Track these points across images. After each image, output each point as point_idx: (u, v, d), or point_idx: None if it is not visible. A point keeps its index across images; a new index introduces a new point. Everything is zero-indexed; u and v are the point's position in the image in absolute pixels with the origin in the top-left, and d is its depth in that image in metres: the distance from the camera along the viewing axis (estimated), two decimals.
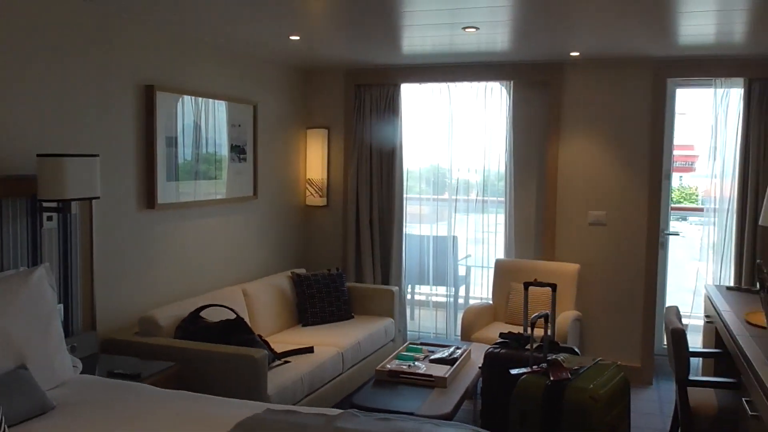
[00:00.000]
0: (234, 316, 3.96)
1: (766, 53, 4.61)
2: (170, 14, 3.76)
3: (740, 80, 4.81)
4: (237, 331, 3.84)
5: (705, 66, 4.87)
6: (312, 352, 4.17)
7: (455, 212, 5.71)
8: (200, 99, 4.47)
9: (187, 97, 4.34)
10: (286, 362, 3.96)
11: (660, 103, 4.99)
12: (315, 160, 5.78)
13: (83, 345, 3.50)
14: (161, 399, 2.88)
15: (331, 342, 4.43)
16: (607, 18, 3.77)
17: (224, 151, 4.74)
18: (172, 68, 4.23)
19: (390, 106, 5.54)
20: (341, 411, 2.89)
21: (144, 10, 3.67)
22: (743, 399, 2.78)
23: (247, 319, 4.28)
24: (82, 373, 3.16)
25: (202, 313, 3.96)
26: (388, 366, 3.90)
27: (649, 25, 3.92)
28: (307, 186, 5.82)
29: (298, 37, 4.34)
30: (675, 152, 5.32)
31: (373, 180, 5.60)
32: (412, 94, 5.65)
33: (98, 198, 3.37)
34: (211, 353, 3.57)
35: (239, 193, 4.91)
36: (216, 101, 4.62)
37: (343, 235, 5.74)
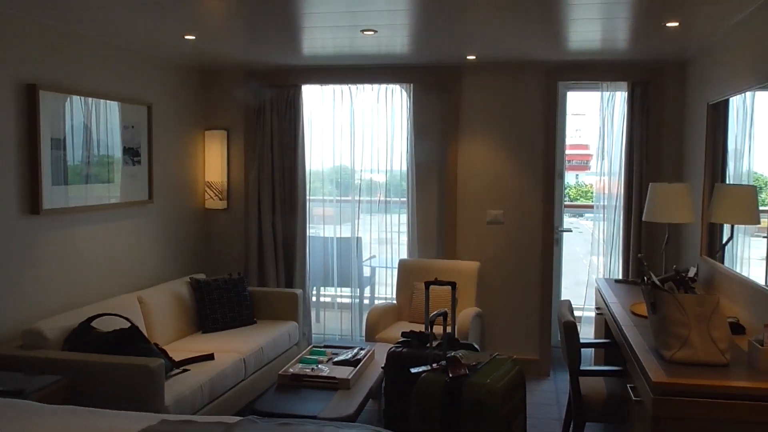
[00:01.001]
0: (128, 325, 3.80)
1: (647, 59, 4.90)
2: (55, 9, 3.56)
3: (624, 84, 5.08)
4: (132, 340, 3.69)
5: (592, 70, 5.12)
6: (212, 359, 4.06)
7: (359, 213, 5.73)
8: (90, 99, 4.26)
9: (75, 97, 4.13)
10: (185, 371, 3.84)
11: (552, 105, 5.20)
12: (214, 162, 5.65)
13: None
14: (47, 415, 2.73)
15: (233, 348, 4.33)
16: (500, 24, 3.89)
17: (117, 153, 4.55)
18: (59, 67, 4.02)
19: (291, 108, 5.49)
20: (240, 418, 2.83)
21: (25, 4, 3.46)
22: (628, 385, 2.93)
23: (142, 328, 4.13)
24: None
25: (94, 323, 3.78)
26: (291, 370, 3.86)
27: (541, 31, 4.08)
28: (207, 189, 5.68)
29: (193, 37, 4.23)
30: (572, 152, 5.56)
31: (275, 182, 5.53)
32: (313, 96, 5.62)
33: None
34: (104, 365, 3.41)
35: (134, 197, 4.73)
36: (108, 101, 4.43)
37: (245, 238, 5.64)
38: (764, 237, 3.44)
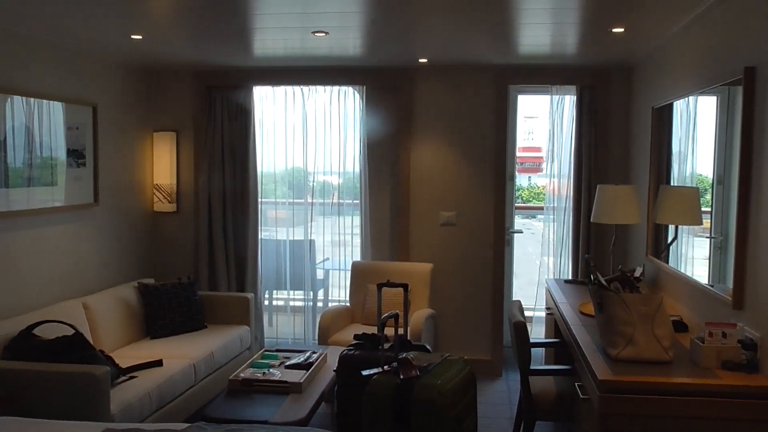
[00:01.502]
0: (72, 331, 3.69)
1: (595, 63, 4.99)
2: None
3: (573, 88, 5.17)
4: (75, 347, 3.59)
5: (542, 74, 5.19)
6: (161, 365, 3.98)
7: (312, 215, 5.70)
8: (32, 99, 4.13)
9: (16, 98, 3.99)
10: (132, 378, 3.75)
11: (502, 108, 5.26)
12: (163, 164, 5.54)
13: None
14: None
15: (182, 354, 4.25)
16: (451, 28, 3.92)
17: (61, 155, 4.42)
18: None
19: (242, 109, 5.42)
20: (188, 425, 2.77)
21: None
22: (576, 384, 2.98)
23: (87, 335, 4.02)
24: None
25: (36, 331, 3.66)
26: (242, 375, 3.81)
27: (492, 35, 4.12)
28: (155, 191, 5.56)
29: (140, 37, 4.13)
30: (525, 154, 5.62)
31: (226, 184, 5.45)
32: (265, 97, 5.57)
33: None
34: (46, 373, 3.30)
35: (78, 200, 4.60)
36: (51, 102, 4.29)
37: (195, 242, 5.54)
38: (707, 237, 3.54)
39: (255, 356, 4.22)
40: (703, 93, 3.47)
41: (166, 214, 5.61)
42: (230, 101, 5.42)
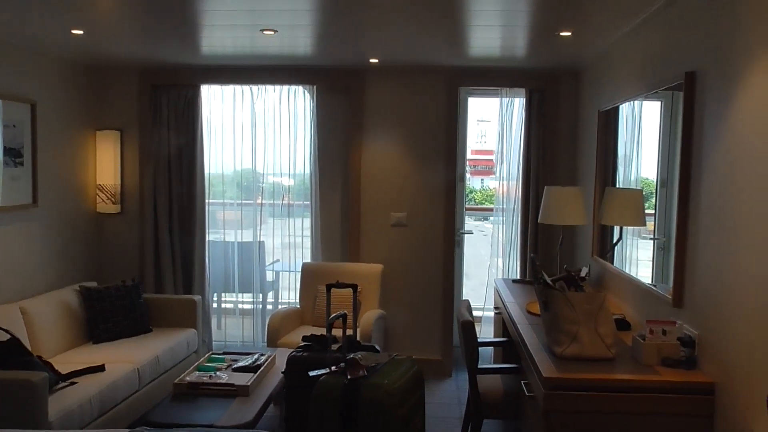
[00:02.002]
0: (8, 337, 3.55)
1: (544, 67, 5.06)
2: None
3: (522, 91, 5.23)
4: (12, 353, 3.46)
5: (492, 76, 5.24)
6: (103, 370, 3.86)
7: (262, 217, 5.62)
8: None
9: None
10: (73, 383, 3.63)
11: (453, 110, 5.28)
12: (106, 164, 5.38)
13: None
14: None
15: (126, 358, 4.14)
16: (402, 28, 3.91)
17: None
18: None
19: (190, 108, 5.32)
20: (130, 431, 2.69)
21: None
22: (522, 382, 3.00)
23: (25, 340, 3.87)
24: None
25: None
26: (187, 378, 3.73)
27: (442, 36, 4.13)
28: (98, 192, 5.40)
29: (81, 32, 4.01)
30: (478, 157, 5.64)
31: (172, 185, 5.34)
32: (213, 96, 5.47)
33: None
34: None
35: (15, 200, 4.42)
36: None
37: (140, 243, 5.41)
38: (651, 239, 3.62)
39: (201, 359, 4.14)
40: (648, 98, 3.54)
41: (109, 215, 5.46)
42: (177, 100, 5.31)
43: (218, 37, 4.29)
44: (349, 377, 2.92)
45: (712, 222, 2.57)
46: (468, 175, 5.60)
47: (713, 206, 2.57)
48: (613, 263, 4.05)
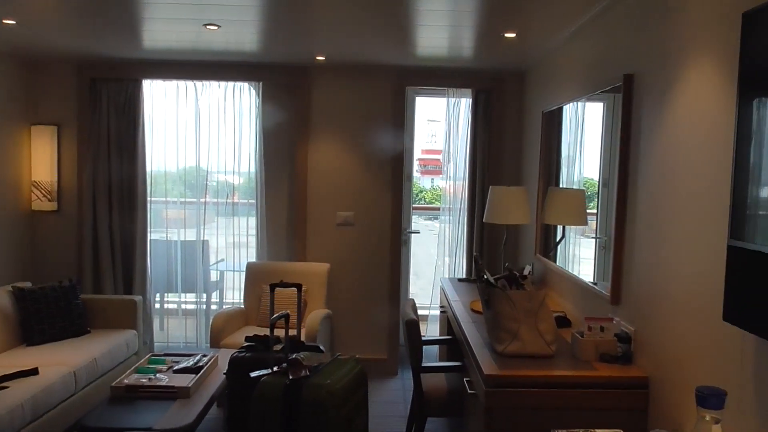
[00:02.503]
0: None
1: (489, 67, 5.11)
2: None
3: (469, 91, 5.27)
4: None
5: (439, 76, 5.26)
6: (36, 374, 3.72)
7: (206, 215, 5.52)
8: None
9: None
10: (4, 388, 3.49)
11: (400, 109, 5.29)
12: (42, 160, 5.19)
13: None
14: None
15: (61, 361, 4.00)
16: (348, 26, 3.89)
17: None
18: None
19: (131, 103, 5.18)
20: None
21: None
22: (465, 379, 3.02)
23: None
24: None
25: None
26: (126, 381, 3.63)
27: (389, 35, 4.12)
28: (33, 189, 5.21)
29: (13, 21, 3.85)
30: (428, 156, 5.65)
31: (112, 182, 5.19)
32: (156, 91, 5.34)
33: None
34: None
35: None
36: None
37: (78, 242, 5.24)
38: (593, 238, 3.69)
39: (141, 361, 4.03)
40: (590, 99, 3.61)
41: (45, 213, 5.27)
42: (117, 95, 5.17)
43: (160, 30, 4.18)
44: (291, 377, 2.89)
45: (648, 221, 2.63)
46: (418, 175, 5.62)
47: (649, 206, 2.63)
48: (555, 262, 4.11)
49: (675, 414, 2.32)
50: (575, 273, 3.77)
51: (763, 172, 1.67)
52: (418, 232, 5.78)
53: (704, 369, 2.13)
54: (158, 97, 5.35)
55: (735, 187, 1.78)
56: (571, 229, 3.96)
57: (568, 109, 4.07)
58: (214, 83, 5.31)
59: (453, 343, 3.85)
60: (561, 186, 4.20)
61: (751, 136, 1.72)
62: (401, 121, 5.30)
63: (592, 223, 3.65)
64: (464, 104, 5.33)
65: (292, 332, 3.60)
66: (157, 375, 3.74)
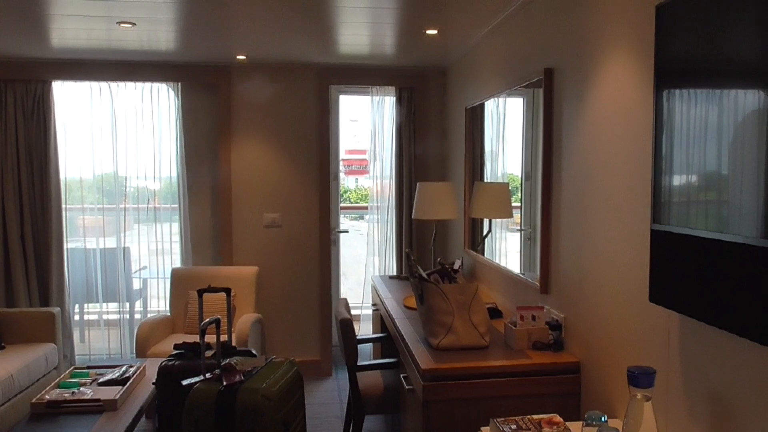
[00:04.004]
0: None
1: (412, 65, 5.15)
2: None
3: (392, 89, 5.29)
4: None
5: (362, 74, 5.26)
6: None
7: (126, 222, 5.31)
8: None
9: None
10: None
11: (324, 108, 5.25)
12: None
13: None
14: None
15: None
16: (268, 24, 3.83)
17: None
18: None
19: (40, 106, 4.92)
20: None
21: None
22: (401, 375, 3.02)
23: None
24: None
25: None
26: (47, 396, 3.45)
27: (311, 32, 4.08)
28: None
29: None
30: (352, 156, 5.62)
31: (22, 189, 4.92)
32: (67, 93, 5.10)
33: None
34: None
35: None
36: None
37: None
38: (518, 230, 3.77)
39: (63, 375, 3.84)
40: (511, 94, 3.68)
41: None
42: (25, 97, 4.90)
43: (70, 28, 3.99)
44: (225, 383, 2.81)
45: (573, 211, 2.71)
46: (343, 175, 5.59)
47: (573, 196, 2.71)
48: (483, 255, 4.18)
49: (607, 396, 2.40)
50: (503, 265, 3.84)
51: (679, 159, 1.74)
52: (347, 232, 5.76)
53: (633, 350, 2.20)
54: (70, 100, 5.11)
55: (655, 174, 1.85)
56: (497, 223, 4.04)
57: (490, 105, 4.14)
58: (130, 84, 5.12)
59: (387, 340, 3.86)
60: (486, 180, 4.27)
61: (671, 126, 1.79)
62: (326, 120, 5.26)
63: (517, 215, 3.73)
64: (388, 102, 5.35)
65: (223, 338, 3.51)
66: (81, 389, 3.58)
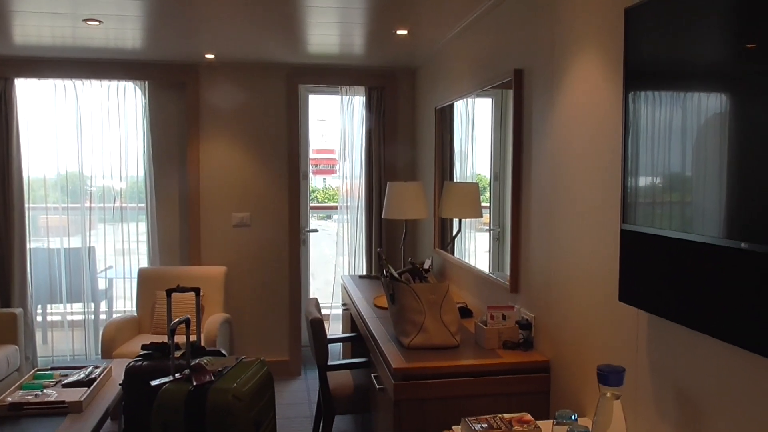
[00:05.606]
0: None
1: (382, 65, 5.16)
2: None
3: (362, 89, 5.29)
4: None
5: (332, 74, 5.25)
6: None
7: (92, 222, 5.22)
8: None
9: None
10: None
11: (294, 108, 5.23)
12: None
13: None
14: None
15: None
16: (236, 23, 3.80)
17: None
18: None
19: (1, 104, 4.81)
20: None
21: None
22: (372, 375, 3.03)
23: None
24: None
25: None
26: (9, 399, 3.37)
27: (280, 32, 4.06)
28: None
29: None
30: (320, 156, 5.61)
31: None
32: (30, 91, 4.99)
33: None
34: None
35: None
36: None
37: None
38: (487, 230, 3.80)
39: (26, 377, 3.76)
40: (480, 95, 3.72)
41: None
42: None
43: (33, 25, 3.90)
44: (194, 383, 2.79)
45: (542, 211, 2.75)
46: (311, 175, 5.57)
47: (542, 196, 2.74)
48: (453, 254, 4.21)
49: (576, 394, 2.44)
50: (473, 264, 3.87)
51: (645, 160, 1.78)
52: (317, 231, 5.75)
53: (602, 349, 2.24)
54: (34, 98, 5.00)
55: (624, 174, 1.89)
56: (466, 222, 4.07)
57: (459, 105, 4.17)
58: (95, 82, 5.03)
59: (357, 339, 3.86)
60: (455, 180, 4.30)
61: (637, 127, 1.83)
62: (296, 119, 5.24)
63: (486, 215, 3.76)
64: (358, 102, 5.35)
65: (192, 338, 3.47)
66: (45, 390, 3.51)
